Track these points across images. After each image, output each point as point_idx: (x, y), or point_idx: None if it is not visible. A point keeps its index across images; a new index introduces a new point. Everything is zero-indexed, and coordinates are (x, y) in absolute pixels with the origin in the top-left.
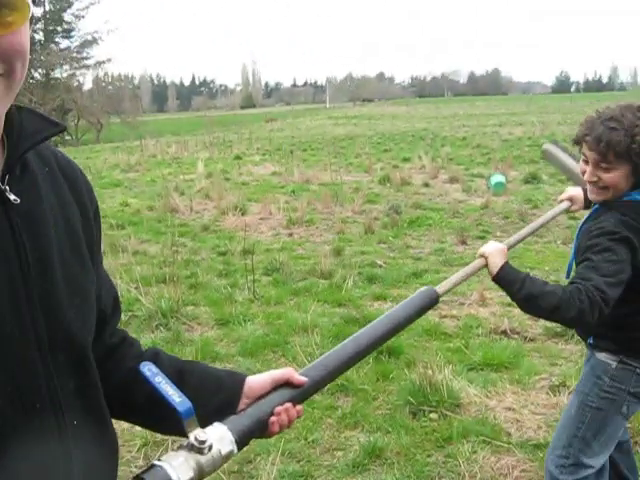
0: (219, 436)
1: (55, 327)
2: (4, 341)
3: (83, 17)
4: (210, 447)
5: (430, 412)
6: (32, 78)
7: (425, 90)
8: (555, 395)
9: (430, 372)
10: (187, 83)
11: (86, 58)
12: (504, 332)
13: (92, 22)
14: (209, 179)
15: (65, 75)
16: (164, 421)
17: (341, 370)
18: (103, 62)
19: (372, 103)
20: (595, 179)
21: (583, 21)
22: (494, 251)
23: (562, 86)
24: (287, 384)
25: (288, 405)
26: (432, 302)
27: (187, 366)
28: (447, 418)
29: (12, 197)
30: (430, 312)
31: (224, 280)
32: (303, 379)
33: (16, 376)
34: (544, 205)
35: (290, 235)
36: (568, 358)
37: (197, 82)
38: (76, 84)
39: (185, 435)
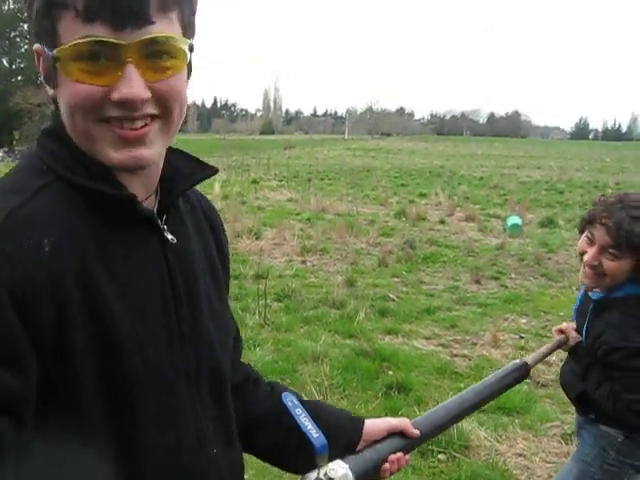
0: (343, 475)
1: (202, 359)
2: (159, 374)
3: None
4: None
5: (439, 453)
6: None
7: (444, 128)
8: (567, 444)
9: None
10: (208, 105)
11: None
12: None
13: None
14: (225, 201)
15: None
16: (284, 460)
17: (446, 427)
18: None
19: (390, 137)
20: (596, 263)
21: (604, 69)
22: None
23: (581, 133)
24: (400, 433)
25: (400, 454)
26: (524, 375)
27: (310, 405)
28: (456, 460)
29: (170, 237)
30: (442, 350)
31: (235, 303)
32: (417, 432)
33: (167, 408)
34: (560, 249)
35: (303, 262)
36: None
37: (218, 105)
38: None
39: (297, 472)
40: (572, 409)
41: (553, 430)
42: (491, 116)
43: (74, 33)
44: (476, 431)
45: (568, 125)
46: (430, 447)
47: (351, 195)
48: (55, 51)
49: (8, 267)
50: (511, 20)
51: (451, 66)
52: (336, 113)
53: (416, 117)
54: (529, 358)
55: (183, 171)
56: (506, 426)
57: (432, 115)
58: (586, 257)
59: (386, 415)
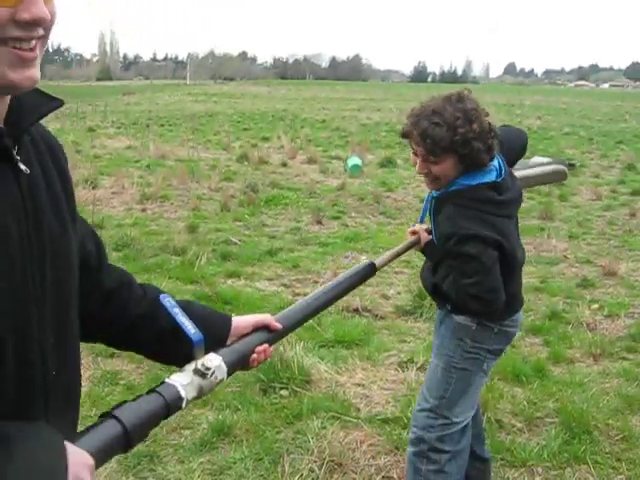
0: (218, 364)
1: (45, 283)
2: (14, 293)
3: None
4: (212, 373)
5: (281, 389)
6: None
7: (287, 72)
8: (403, 371)
9: (281, 349)
10: None
11: None
12: (356, 310)
13: None
14: None
15: None
16: (163, 354)
17: (304, 321)
18: None
19: (234, 82)
20: (426, 171)
21: (442, 15)
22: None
23: (419, 76)
24: (265, 327)
25: (265, 346)
26: (371, 273)
27: (182, 305)
28: (297, 395)
29: (23, 167)
30: (284, 290)
31: None
32: (279, 325)
33: (17, 327)
34: (398, 188)
35: (143, 210)
36: (417, 335)
37: (50, 49)
38: None
39: (177, 364)
40: (408, 339)
41: (390, 359)
42: (333, 60)
43: None
44: (317, 365)
45: (407, 69)
46: (272, 384)
47: (192, 141)
48: None
49: None
50: None
51: (293, 10)
52: (177, 57)
53: (259, 61)
54: (378, 259)
55: (28, 102)
56: (346, 358)
57: (275, 59)
58: (416, 168)
59: None
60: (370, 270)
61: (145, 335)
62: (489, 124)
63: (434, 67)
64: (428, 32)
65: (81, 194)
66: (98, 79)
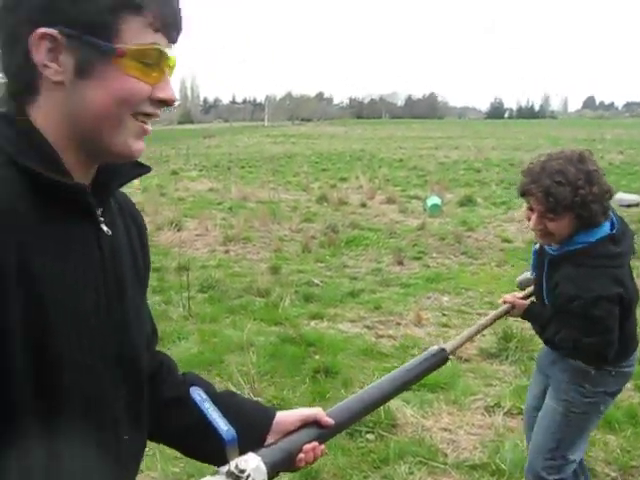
0: (255, 466)
1: (124, 349)
2: (84, 358)
3: None
4: (247, 476)
5: (367, 432)
6: None
7: (363, 112)
8: (490, 415)
9: None
10: None
11: None
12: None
13: None
14: (144, 194)
15: None
16: (195, 448)
17: (362, 415)
18: None
19: (311, 123)
20: (541, 227)
21: (518, 50)
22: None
23: (496, 112)
24: (315, 423)
25: (315, 444)
26: (442, 361)
27: (221, 398)
28: (384, 439)
29: (105, 229)
30: (367, 332)
31: (158, 297)
32: (331, 421)
33: (89, 390)
34: (479, 227)
35: (226, 252)
36: (502, 379)
37: None
38: None
39: (216, 463)
40: (494, 382)
41: (477, 403)
42: (409, 98)
43: (140, 37)
44: (402, 409)
45: (484, 105)
46: (358, 428)
47: (272, 182)
48: (117, 46)
49: None
50: (424, 2)
51: (368, 50)
52: (255, 100)
53: (335, 102)
54: (449, 344)
55: (118, 166)
56: (431, 402)
57: (351, 99)
58: (531, 224)
59: (314, 399)
60: (441, 358)
61: (179, 422)
62: (607, 185)
63: (511, 103)
64: (504, 67)
65: (167, 236)
66: (179, 122)
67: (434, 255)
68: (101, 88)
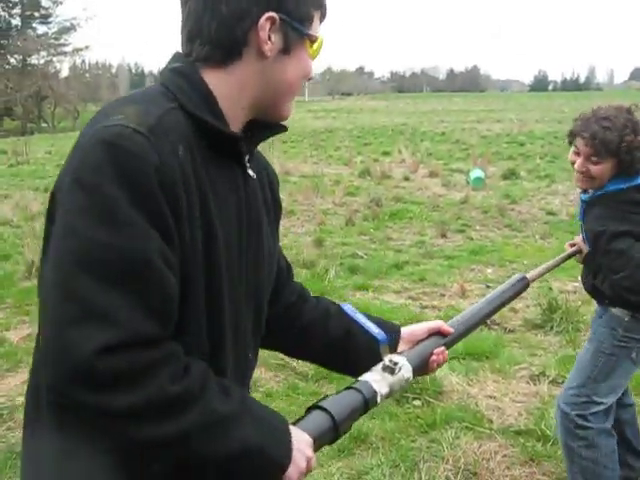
0: (404, 362)
1: (255, 281)
2: (232, 280)
3: (61, 3)
4: (400, 369)
5: (413, 399)
6: (8, 64)
7: (404, 85)
8: (535, 384)
9: None
10: None
11: (64, 45)
12: (485, 323)
13: (70, 8)
14: None
15: (42, 61)
16: (335, 360)
17: (475, 326)
18: (80, 49)
19: (351, 97)
20: (584, 169)
21: (562, 21)
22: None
23: (540, 84)
24: (439, 332)
25: (442, 348)
26: (524, 288)
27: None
28: (430, 405)
29: (251, 173)
30: (411, 303)
31: None
32: (451, 329)
33: (234, 308)
34: (522, 200)
35: None
36: (547, 349)
37: None
38: (53, 71)
39: (352, 372)
40: (539, 352)
41: (521, 372)
42: (450, 72)
43: (316, 27)
44: (448, 377)
45: (527, 78)
46: (405, 394)
47: (315, 156)
48: (312, 33)
49: (156, 158)
50: None
51: (409, 23)
52: None
53: (376, 76)
54: (529, 273)
55: (264, 122)
56: (476, 371)
57: (392, 73)
58: (576, 166)
59: None
60: (524, 284)
61: (318, 339)
62: None
63: (555, 75)
64: (548, 39)
65: None
66: None
67: (477, 228)
68: (295, 64)
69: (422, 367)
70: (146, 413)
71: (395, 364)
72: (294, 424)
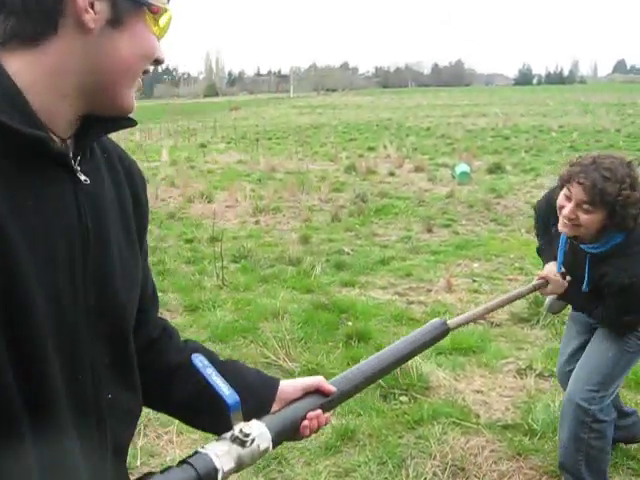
0: (259, 432)
1: (106, 301)
2: (60, 309)
3: None
4: (252, 441)
5: (400, 395)
6: None
7: (389, 81)
8: (522, 378)
9: None
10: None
11: None
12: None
13: None
14: (174, 167)
15: None
16: (199, 416)
17: (363, 385)
18: None
19: (336, 93)
20: (574, 216)
21: (546, 15)
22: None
23: (524, 78)
24: (317, 392)
25: (319, 412)
26: (443, 335)
27: (224, 366)
28: (417, 401)
29: (82, 177)
30: (398, 298)
31: (192, 267)
32: (333, 388)
33: (66, 345)
34: (508, 194)
35: (257, 223)
36: (533, 343)
37: (160, 70)
38: None
39: (216, 432)
40: (525, 346)
41: (508, 366)
42: (435, 66)
43: None
44: (435, 372)
45: (511, 72)
46: (392, 390)
47: (300, 153)
48: (152, 2)
49: None
50: None
51: (393, 19)
52: (280, 72)
53: (360, 71)
54: (450, 320)
55: (101, 117)
56: (463, 366)
57: (376, 69)
58: (565, 211)
59: (348, 364)
60: (442, 331)
61: (181, 389)
62: None
63: (539, 69)
64: (532, 33)
65: (198, 208)
66: (205, 95)
67: (463, 222)
68: (131, 41)
69: (290, 433)
70: None
71: (246, 435)
72: None
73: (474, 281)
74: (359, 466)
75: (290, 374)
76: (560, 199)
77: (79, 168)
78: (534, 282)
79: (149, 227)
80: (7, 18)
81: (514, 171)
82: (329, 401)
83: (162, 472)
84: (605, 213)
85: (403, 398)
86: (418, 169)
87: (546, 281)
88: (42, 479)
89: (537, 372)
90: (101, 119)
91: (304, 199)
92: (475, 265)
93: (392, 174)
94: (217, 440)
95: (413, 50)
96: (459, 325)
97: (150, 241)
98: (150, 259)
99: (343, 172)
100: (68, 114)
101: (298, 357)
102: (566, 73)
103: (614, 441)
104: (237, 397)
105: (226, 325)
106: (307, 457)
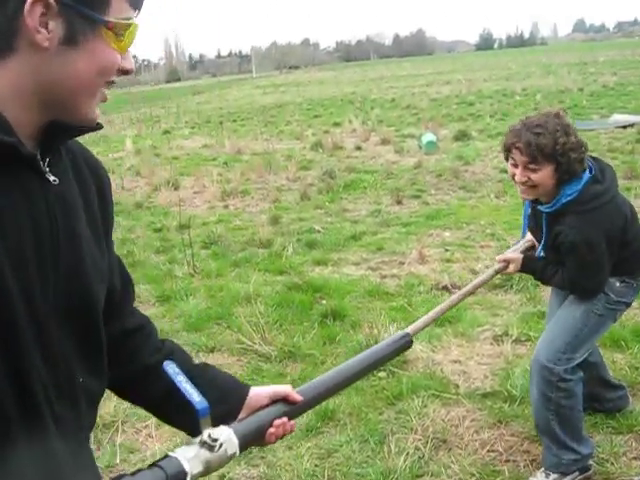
0: (227, 437)
1: (78, 295)
2: (33, 304)
3: None
4: (220, 446)
5: (379, 371)
6: None
7: (351, 54)
8: (499, 344)
9: (376, 331)
10: None
11: None
12: (445, 287)
13: None
14: (138, 156)
15: None
16: (172, 415)
17: (329, 394)
18: None
19: (299, 70)
20: (525, 179)
21: None
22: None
23: (485, 43)
24: (284, 400)
25: (284, 419)
26: (407, 345)
27: (196, 371)
28: (396, 375)
29: (52, 178)
30: (371, 273)
31: (162, 256)
32: (299, 397)
33: (41, 336)
34: (475, 161)
35: (226, 207)
36: (509, 308)
37: None
38: None
39: (190, 433)
40: (501, 312)
41: (485, 334)
42: (396, 37)
43: (122, 12)
44: (412, 345)
45: (473, 37)
46: None
47: (265, 133)
48: (107, 19)
49: None
50: None
51: None
52: (241, 52)
53: (322, 47)
54: (411, 327)
55: (66, 124)
56: (440, 336)
57: (337, 43)
58: (516, 177)
59: (324, 343)
60: (406, 342)
61: (153, 389)
62: (582, 140)
63: (500, 33)
64: None
65: (165, 196)
66: (167, 81)
67: (432, 192)
68: (87, 58)
69: (256, 439)
70: None
71: (214, 441)
72: None
73: (446, 250)
74: (341, 446)
75: (267, 358)
76: (509, 169)
77: (48, 169)
78: (495, 266)
79: (116, 219)
80: None
81: (480, 137)
82: (295, 409)
83: (133, 474)
84: (552, 166)
85: (382, 374)
86: (384, 141)
87: (507, 262)
88: (30, 466)
89: (513, 338)
90: (66, 125)
91: (272, 180)
92: (446, 234)
93: (359, 148)
94: (187, 444)
95: (373, 21)
96: (421, 329)
97: (118, 232)
98: (119, 251)
99: (309, 150)
100: (34, 122)
101: (274, 340)
102: (527, 35)
103: (597, 411)
104: (206, 403)
105: (199, 313)
106: (288, 441)
